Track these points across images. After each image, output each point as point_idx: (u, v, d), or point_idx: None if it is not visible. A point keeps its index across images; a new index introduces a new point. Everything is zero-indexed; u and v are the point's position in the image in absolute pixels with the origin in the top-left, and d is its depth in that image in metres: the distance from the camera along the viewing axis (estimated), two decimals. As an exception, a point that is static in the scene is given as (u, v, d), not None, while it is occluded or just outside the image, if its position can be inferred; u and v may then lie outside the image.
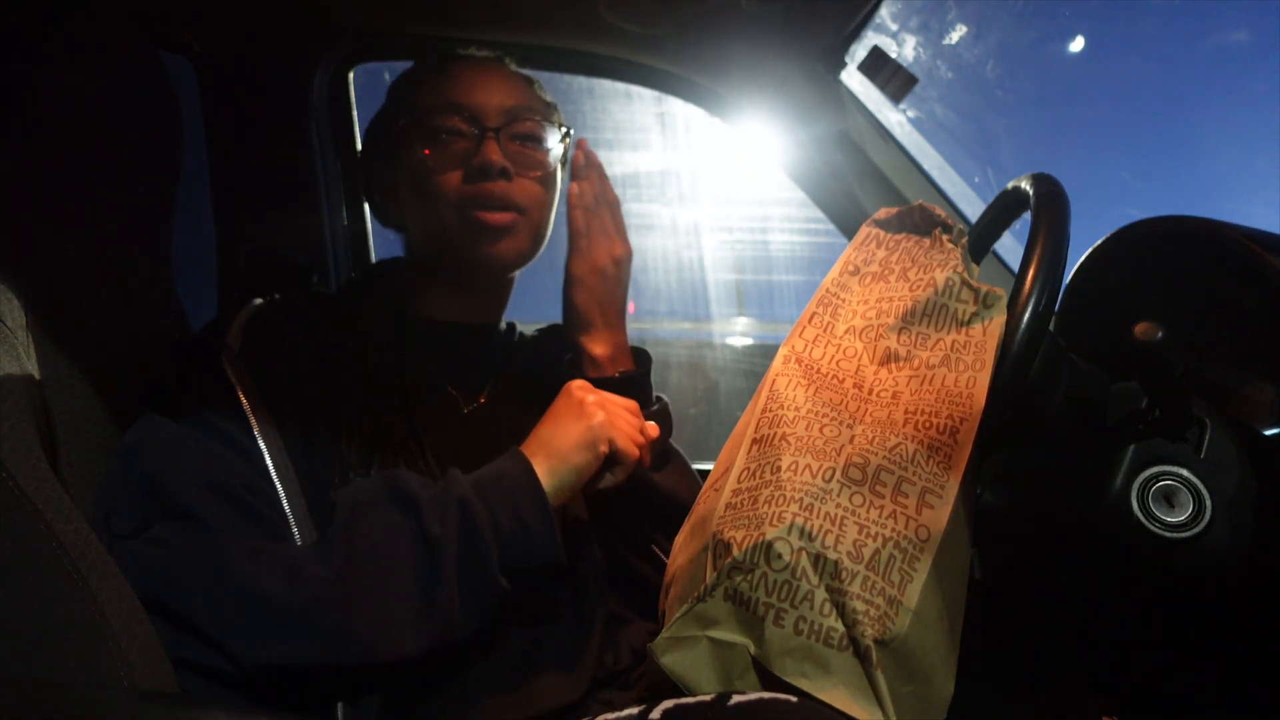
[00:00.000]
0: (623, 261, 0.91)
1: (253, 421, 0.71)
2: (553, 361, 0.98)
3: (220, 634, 0.61)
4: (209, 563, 0.63)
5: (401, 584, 0.65)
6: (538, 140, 0.90)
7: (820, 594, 0.55)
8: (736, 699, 0.52)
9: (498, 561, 0.68)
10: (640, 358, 0.93)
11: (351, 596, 0.63)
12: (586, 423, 0.75)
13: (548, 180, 0.91)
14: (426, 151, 0.87)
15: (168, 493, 0.66)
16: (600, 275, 0.90)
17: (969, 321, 0.65)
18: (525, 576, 0.70)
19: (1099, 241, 0.84)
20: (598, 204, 0.91)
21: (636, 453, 0.78)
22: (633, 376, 0.90)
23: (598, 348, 0.90)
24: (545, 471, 0.73)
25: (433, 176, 0.86)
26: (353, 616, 0.63)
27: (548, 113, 0.93)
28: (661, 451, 0.92)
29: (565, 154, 0.96)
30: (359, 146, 1.25)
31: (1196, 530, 0.62)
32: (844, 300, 0.72)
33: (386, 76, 1.25)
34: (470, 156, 0.86)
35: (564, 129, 0.93)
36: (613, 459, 0.77)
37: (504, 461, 0.74)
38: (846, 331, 0.69)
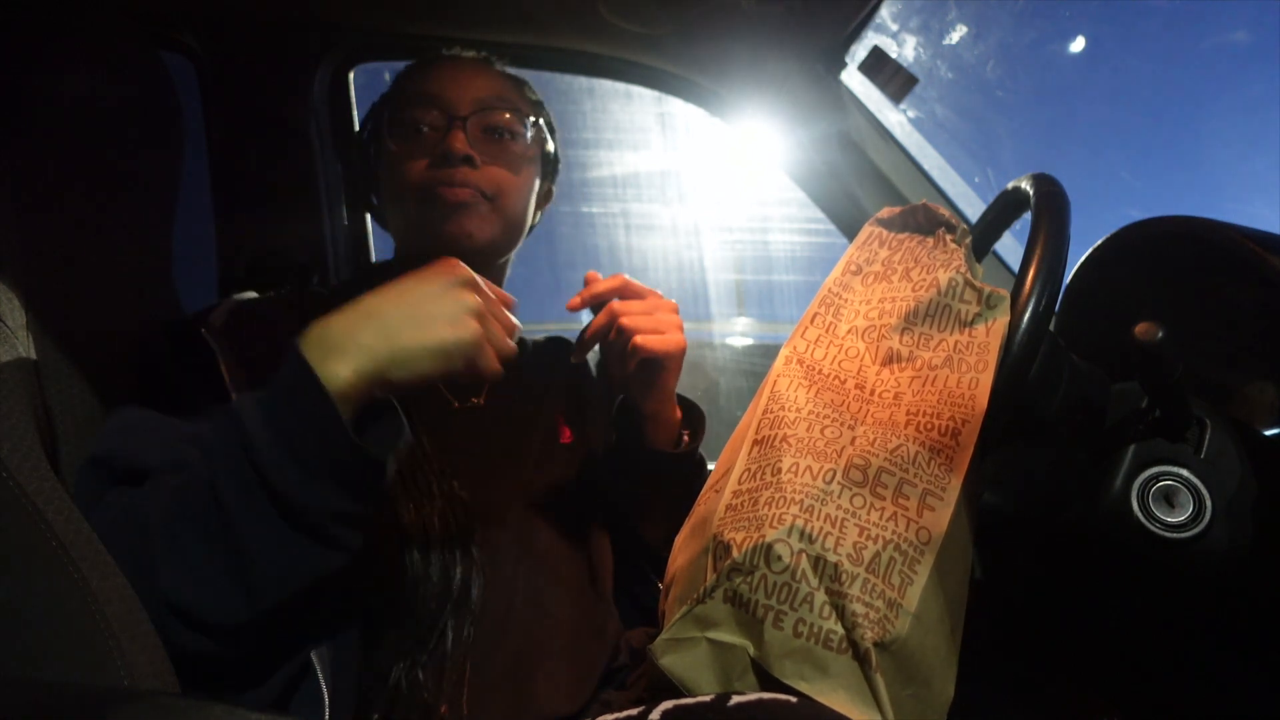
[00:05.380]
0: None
1: (230, 392, 0.71)
2: (557, 372, 0.98)
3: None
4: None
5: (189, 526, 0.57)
6: (510, 131, 0.90)
7: (820, 596, 0.55)
8: (736, 699, 0.52)
9: (275, 470, 0.56)
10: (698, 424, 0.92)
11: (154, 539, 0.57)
12: (454, 335, 0.62)
13: (517, 168, 0.91)
14: (396, 145, 0.88)
15: (110, 464, 0.63)
16: (681, 350, 0.83)
17: (972, 322, 0.65)
18: (323, 477, 0.57)
19: (1099, 241, 0.84)
20: (629, 302, 0.82)
21: (498, 371, 0.65)
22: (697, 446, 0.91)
23: (676, 413, 0.89)
24: (375, 361, 0.59)
25: (401, 166, 0.88)
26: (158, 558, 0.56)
27: (527, 108, 0.93)
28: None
29: (542, 148, 0.96)
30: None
31: (1196, 530, 0.62)
32: (846, 300, 0.72)
33: (387, 77, 1.25)
34: (437, 146, 0.87)
35: (534, 119, 0.93)
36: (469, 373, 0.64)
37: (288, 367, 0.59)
38: (849, 332, 0.69)
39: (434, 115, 0.88)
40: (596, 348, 0.85)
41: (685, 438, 0.91)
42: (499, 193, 0.88)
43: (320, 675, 0.66)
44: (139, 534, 0.58)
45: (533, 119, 0.93)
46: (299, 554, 0.58)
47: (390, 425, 0.63)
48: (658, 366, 0.82)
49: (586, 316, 0.84)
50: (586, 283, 0.82)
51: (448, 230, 0.87)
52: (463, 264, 0.67)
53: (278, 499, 0.56)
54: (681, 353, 0.82)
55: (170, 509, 0.58)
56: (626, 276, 0.83)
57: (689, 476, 0.90)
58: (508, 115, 0.90)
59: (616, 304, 0.81)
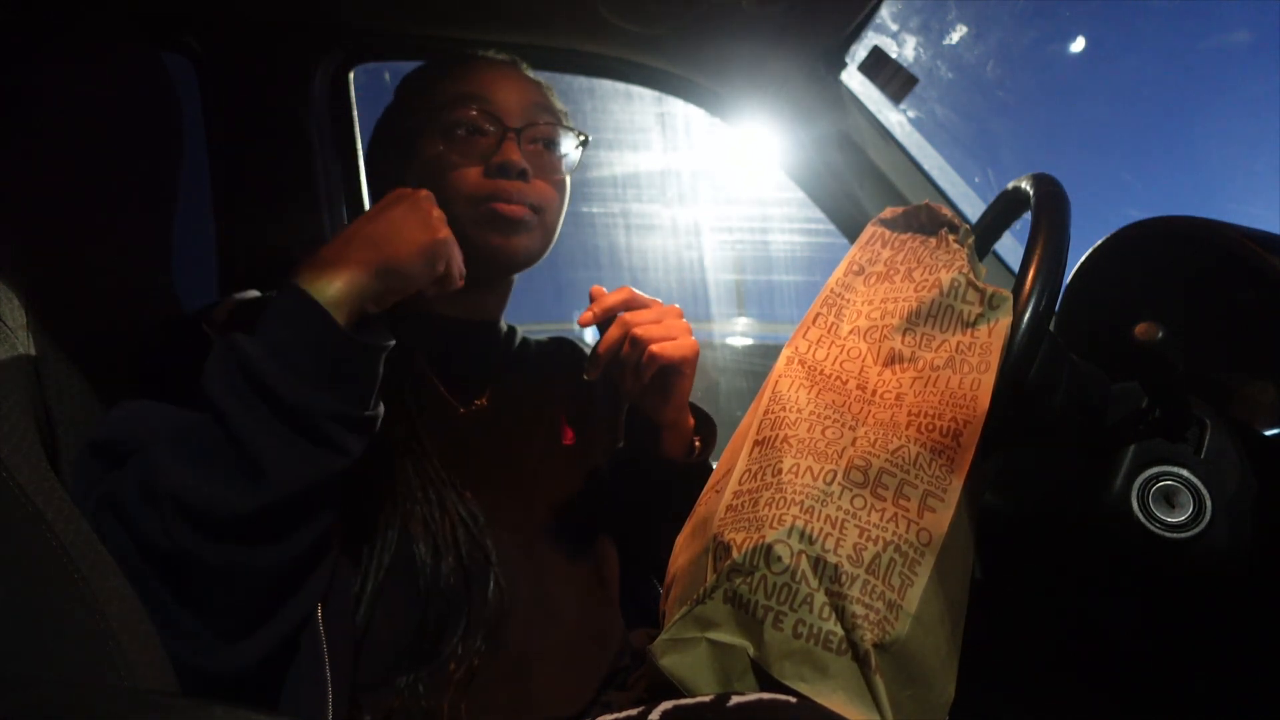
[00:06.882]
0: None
1: None
2: (560, 372, 0.98)
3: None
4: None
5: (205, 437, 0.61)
6: (554, 144, 0.90)
7: (820, 597, 0.55)
8: (736, 699, 0.52)
9: (276, 374, 0.61)
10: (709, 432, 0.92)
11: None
12: (432, 236, 0.71)
13: (561, 185, 0.91)
14: (444, 146, 0.85)
15: (111, 450, 0.64)
16: (695, 353, 0.83)
17: (974, 323, 0.64)
18: (322, 376, 0.62)
19: (1099, 241, 0.84)
20: (638, 312, 0.82)
21: (461, 281, 0.75)
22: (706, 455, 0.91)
23: (690, 420, 0.89)
24: (368, 272, 0.67)
25: (450, 172, 0.85)
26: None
27: (562, 118, 0.93)
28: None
29: (577, 160, 0.96)
30: (359, 146, 1.25)
31: (1196, 530, 0.62)
32: (849, 300, 0.72)
33: (387, 77, 1.25)
34: (490, 154, 0.85)
35: (580, 136, 0.93)
36: (441, 280, 0.74)
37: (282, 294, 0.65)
38: (851, 332, 0.69)
39: (485, 120, 0.86)
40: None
41: (697, 444, 0.90)
42: (545, 207, 0.88)
43: (329, 677, 0.66)
44: (143, 468, 0.60)
45: (577, 133, 0.92)
46: (301, 455, 0.62)
47: (378, 333, 0.68)
48: (674, 373, 0.82)
49: (587, 326, 0.84)
50: (592, 298, 0.82)
51: (498, 246, 0.86)
52: (424, 190, 0.75)
53: (278, 406, 0.60)
54: (695, 356, 0.82)
55: (172, 438, 0.61)
56: (631, 288, 0.83)
57: (701, 483, 0.90)
58: (553, 126, 0.90)
59: (627, 315, 0.81)
